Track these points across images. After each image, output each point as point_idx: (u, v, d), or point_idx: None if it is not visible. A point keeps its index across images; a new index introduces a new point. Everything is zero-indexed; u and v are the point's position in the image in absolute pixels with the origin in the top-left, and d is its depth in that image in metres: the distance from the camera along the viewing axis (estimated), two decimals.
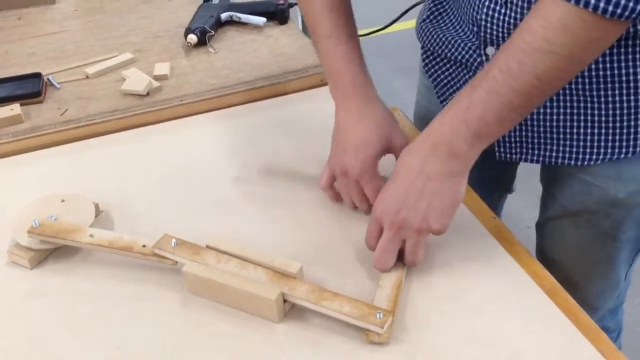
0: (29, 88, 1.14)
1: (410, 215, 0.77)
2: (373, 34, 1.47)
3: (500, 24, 0.86)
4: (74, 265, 0.85)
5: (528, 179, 1.26)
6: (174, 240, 0.81)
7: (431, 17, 1.01)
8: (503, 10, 0.85)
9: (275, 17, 1.34)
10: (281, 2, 1.34)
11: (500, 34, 0.87)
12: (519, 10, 0.83)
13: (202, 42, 1.26)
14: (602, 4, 0.66)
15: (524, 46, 0.70)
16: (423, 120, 1.12)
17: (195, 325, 0.77)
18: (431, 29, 1.01)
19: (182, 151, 1.05)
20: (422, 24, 1.03)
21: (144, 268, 0.84)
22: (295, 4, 1.41)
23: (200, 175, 1.00)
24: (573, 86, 0.86)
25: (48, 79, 1.19)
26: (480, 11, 0.88)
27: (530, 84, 0.71)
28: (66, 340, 0.76)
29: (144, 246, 0.82)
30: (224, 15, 1.33)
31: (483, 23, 0.88)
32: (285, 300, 0.76)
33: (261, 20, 1.32)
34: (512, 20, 0.85)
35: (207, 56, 1.25)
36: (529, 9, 0.82)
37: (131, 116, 1.11)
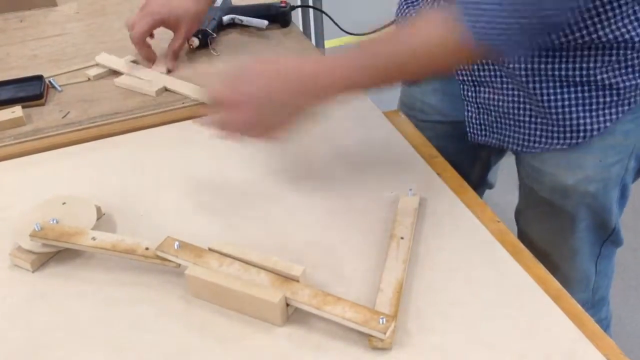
0: (30, 90, 1.14)
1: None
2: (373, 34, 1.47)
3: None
4: (76, 268, 0.85)
5: None
6: (176, 242, 0.80)
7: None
8: None
9: (277, 20, 1.34)
10: (283, 4, 1.34)
11: None
12: None
13: (204, 44, 1.26)
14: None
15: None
16: (407, 106, 1.14)
17: (198, 328, 0.77)
18: (407, 9, 1.06)
19: (184, 154, 1.04)
20: (400, 5, 1.09)
21: (146, 271, 0.83)
22: (297, 7, 1.41)
23: (202, 177, 0.99)
24: (515, 77, 0.92)
25: (50, 82, 1.19)
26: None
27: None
28: (68, 344, 0.76)
29: (146, 249, 0.81)
30: (225, 18, 1.33)
31: None
32: (288, 304, 0.75)
33: (263, 22, 1.32)
34: None
35: (209, 59, 1.25)
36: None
37: (133, 119, 1.11)
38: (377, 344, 0.72)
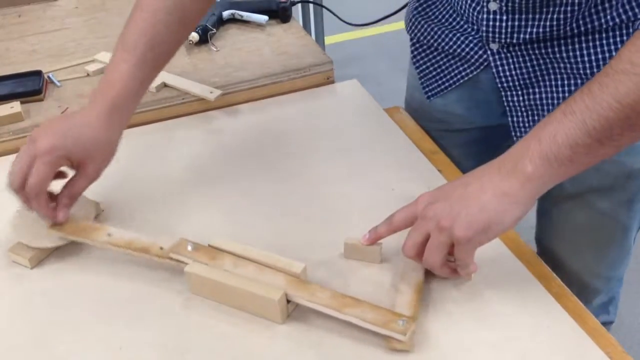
0: (29, 86, 1.14)
1: (442, 209, 0.73)
2: (371, 31, 1.45)
3: (503, 30, 0.88)
4: (75, 265, 0.85)
5: None
6: (190, 244, 0.79)
7: (419, 8, 1.03)
8: (505, 17, 0.87)
9: (277, 16, 1.33)
10: (283, 0, 1.33)
11: (504, 36, 0.89)
12: (523, 13, 0.85)
13: (203, 40, 1.26)
14: None
15: (608, 69, 0.68)
16: (426, 119, 1.11)
17: (198, 325, 0.76)
18: (421, 21, 1.02)
19: (183, 150, 1.04)
20: (411, 15, 1.05)
21: (145, 268, 0.83)
22: (297, 2, 1.40)
23: (202, 174, 0.99)
24: (575, 68, 0.88)
25: (48, 77, 1.18)
26: (477, 20, 0.90)
27: (608, 105, 0.67)
28: (67, 341, 0.76)
29: (161, 248, 0.80)
30: (225, 13, 1.32)
31: (484, 28, 0.90)
32: (288, 301, 0.75)
33: (263, 18, 1.32)
34: (515, 23, 0.87)
35: (209, 54, 1.24)
36: (533, 12, 0.85)
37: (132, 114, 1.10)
38: (397, 345, 0.71)
